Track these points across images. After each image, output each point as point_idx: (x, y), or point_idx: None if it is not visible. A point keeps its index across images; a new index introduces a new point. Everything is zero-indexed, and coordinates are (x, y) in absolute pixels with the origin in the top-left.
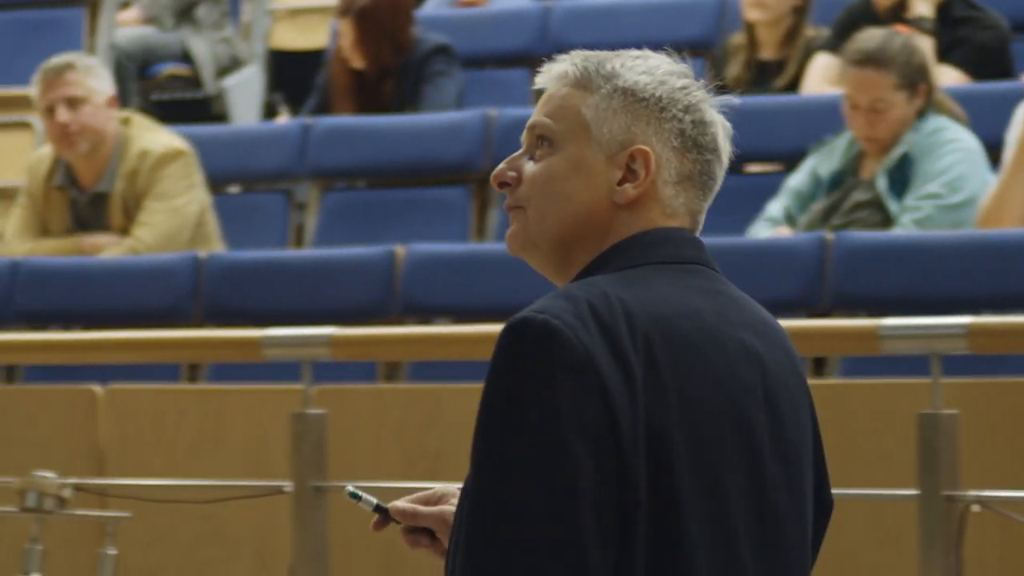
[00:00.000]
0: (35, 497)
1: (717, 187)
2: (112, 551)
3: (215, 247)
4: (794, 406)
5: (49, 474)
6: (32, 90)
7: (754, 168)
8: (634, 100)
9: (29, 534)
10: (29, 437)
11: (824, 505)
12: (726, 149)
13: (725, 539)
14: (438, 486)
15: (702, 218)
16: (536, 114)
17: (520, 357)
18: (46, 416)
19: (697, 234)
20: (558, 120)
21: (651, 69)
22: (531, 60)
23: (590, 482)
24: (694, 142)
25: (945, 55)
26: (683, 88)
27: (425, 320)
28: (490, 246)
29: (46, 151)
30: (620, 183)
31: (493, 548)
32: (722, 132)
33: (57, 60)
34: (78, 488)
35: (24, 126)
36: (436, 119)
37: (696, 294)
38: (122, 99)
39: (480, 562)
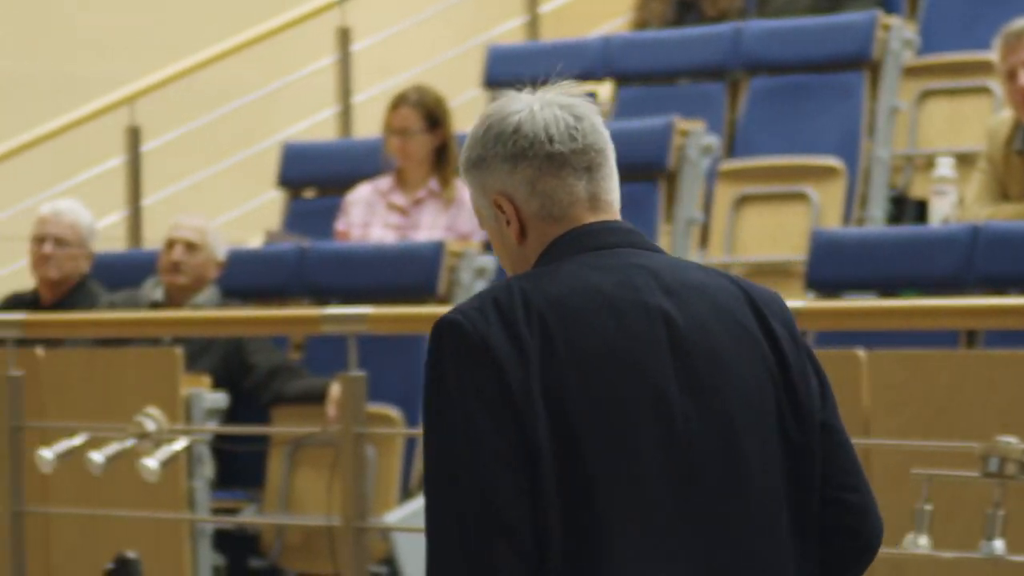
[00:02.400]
0: (997, 462)
1: (597, 159)
2: None
3: None
4: (713, 350)
5: (1012, 439)
6: (992, 55)
7: None
8: (473, 172)
9: (991, 499)
10: (991, 402)
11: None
12: (570, 129)
13: (628, 462)
14: None
15: (605, 193)
16: None
17: (437, 349)
18: (1007, 381)
19: (615, 208)
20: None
21: (475, 134)
22: None
23: (491, 437)
24: (521, 154)
25: None
26: (494, 124)
27: None
28: None
29: (1006, 115)
30: (509, 228)
31: (430, 491)
32: (560, 120)
33: (1019, 24)
34: None
35: (983, 91)
36: None
37: (598, 272)
38: None
39: (427, 501)
